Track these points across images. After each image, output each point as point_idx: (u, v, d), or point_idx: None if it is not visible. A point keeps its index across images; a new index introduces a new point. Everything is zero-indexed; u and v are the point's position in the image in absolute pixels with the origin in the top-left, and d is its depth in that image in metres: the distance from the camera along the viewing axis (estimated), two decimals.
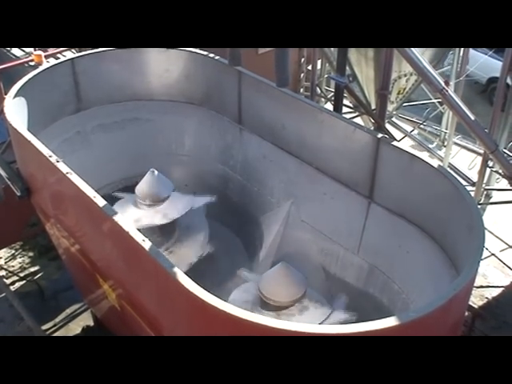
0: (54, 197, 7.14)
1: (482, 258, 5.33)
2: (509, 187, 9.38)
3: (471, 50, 11.84)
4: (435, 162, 6.39)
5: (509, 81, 8.87)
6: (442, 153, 12.35)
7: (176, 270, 4.93)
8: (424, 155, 6.57)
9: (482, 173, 9.77)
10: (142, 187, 7.57)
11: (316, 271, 7.48)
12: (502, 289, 9.59)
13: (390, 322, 4.40)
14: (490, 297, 9.44)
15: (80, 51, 8.88)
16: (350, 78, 9.09)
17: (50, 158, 6.36)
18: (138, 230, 5.51)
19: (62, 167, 6.24)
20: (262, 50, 11.12)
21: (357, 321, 5.43)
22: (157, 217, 7.52)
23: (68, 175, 6.14)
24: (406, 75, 9.86)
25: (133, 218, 7.35)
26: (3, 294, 9.68)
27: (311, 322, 6.11)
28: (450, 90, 8.36)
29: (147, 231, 6.87)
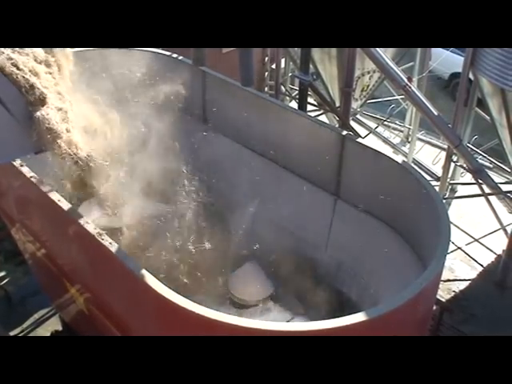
0: (19, 201, 7.05)
1: (449, 251, 5.39)
2: (473, 181, 9.49)
3: None
4: (400, 158, 6.45)
5: (471, 76, 8.96)
6: (406, 149, 12.46)
7: (144, 272, 4.90)
8: (388, 151, 6.62)
9: (446, 167, 9.88)
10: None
11: (284, 269, 7.48)
12: (469, 282, 9.68)
13: (358, 317, 4.42)
14: (457, 290, 9.52)
15: None
16: (314, 76, 9.11)
17: (13, 162, 6.28)
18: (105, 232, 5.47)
19: (26, 171, 6.17)
20: (226, 50, 11.08)
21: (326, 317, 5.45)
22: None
23: (32, 179, 6.06)
24: (369, 72, 9.91)
25: (98, 222, 7.28)
26: None
27: None
28: (413, 86, 8.44)
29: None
